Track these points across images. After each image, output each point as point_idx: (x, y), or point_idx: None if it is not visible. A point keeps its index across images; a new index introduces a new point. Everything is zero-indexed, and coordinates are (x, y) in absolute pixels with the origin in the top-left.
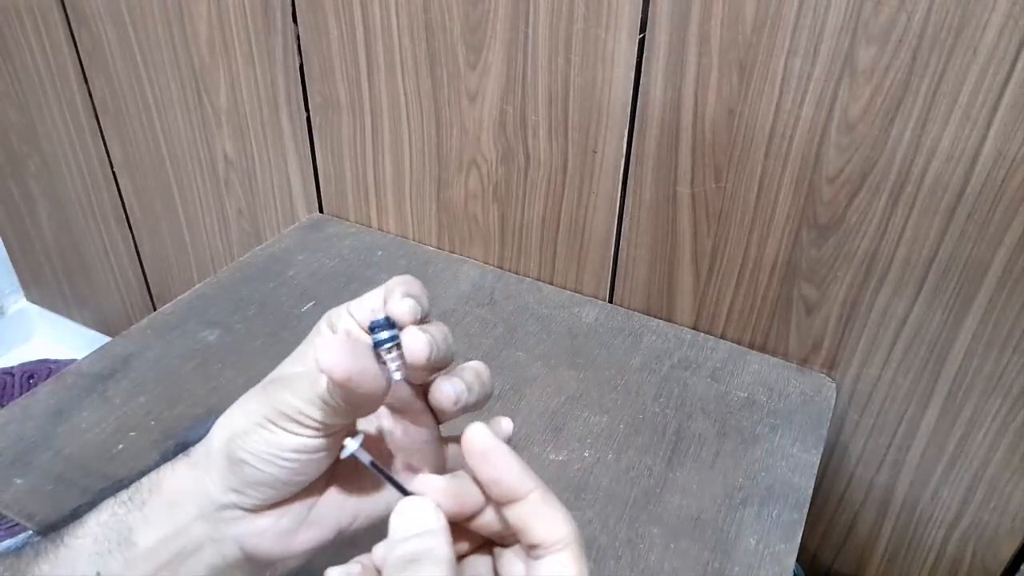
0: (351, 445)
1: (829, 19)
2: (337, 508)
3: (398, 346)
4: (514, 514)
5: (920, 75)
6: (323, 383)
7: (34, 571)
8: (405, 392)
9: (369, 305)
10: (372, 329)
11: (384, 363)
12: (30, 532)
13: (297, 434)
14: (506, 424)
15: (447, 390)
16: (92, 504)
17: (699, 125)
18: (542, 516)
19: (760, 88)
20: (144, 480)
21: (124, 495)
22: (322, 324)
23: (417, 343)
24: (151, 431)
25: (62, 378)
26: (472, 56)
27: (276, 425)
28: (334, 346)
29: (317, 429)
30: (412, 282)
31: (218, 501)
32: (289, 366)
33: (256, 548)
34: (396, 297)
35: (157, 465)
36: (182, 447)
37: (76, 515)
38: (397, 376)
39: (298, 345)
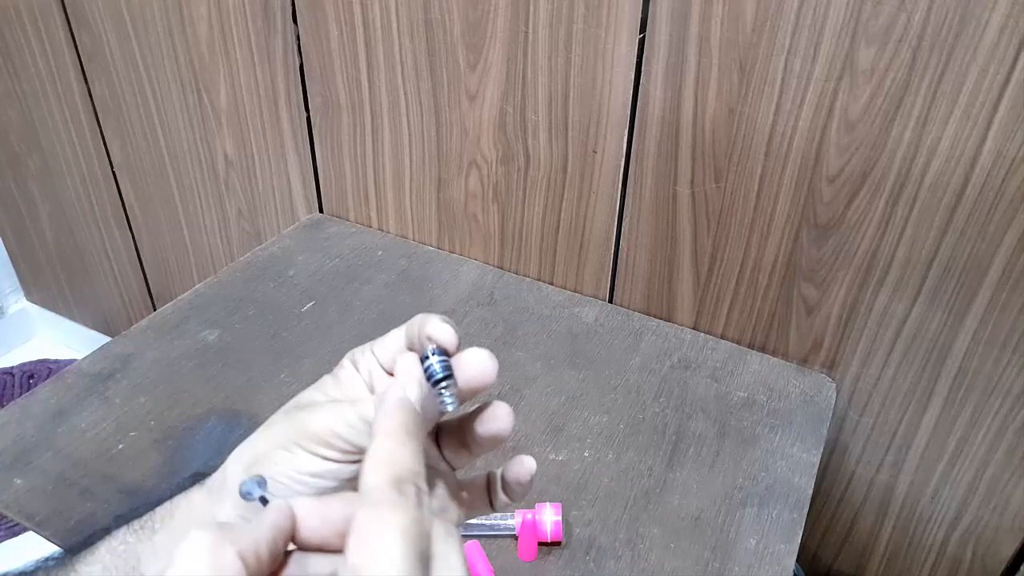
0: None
1: (829, 19)
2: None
3: (450, 376)
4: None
5: (920, 75)
6: (369, 408)
7: None
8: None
9: (392, 346)
10: (425, 360)
11: (439, 394)
12: (43, 557)
13: (325, 458)
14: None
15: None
16: (106, 531)
17: (699, 125)
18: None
19: (760, 88)
20: (158, 509)
21: (136, 524)
22: (345, 361)
23: (482, 362)
24: (151, 431)
25: (62, 378)
26: (472, 56)
27: (303, 448)
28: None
29: (347, 453)
30: (435, 316)
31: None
32: (310, 395)
33: None
34: (435, 322)
35: (172, 495)
36: (199, 477)
37: (89, 542)
38: (450, 407)
39: (297, 345)
